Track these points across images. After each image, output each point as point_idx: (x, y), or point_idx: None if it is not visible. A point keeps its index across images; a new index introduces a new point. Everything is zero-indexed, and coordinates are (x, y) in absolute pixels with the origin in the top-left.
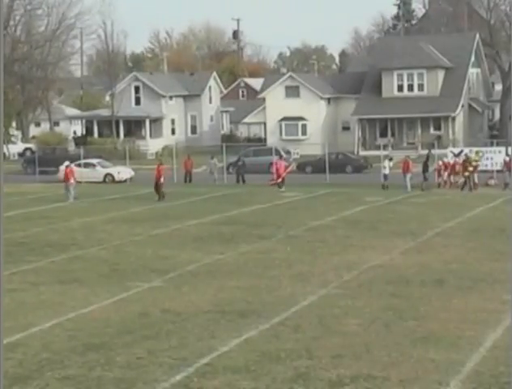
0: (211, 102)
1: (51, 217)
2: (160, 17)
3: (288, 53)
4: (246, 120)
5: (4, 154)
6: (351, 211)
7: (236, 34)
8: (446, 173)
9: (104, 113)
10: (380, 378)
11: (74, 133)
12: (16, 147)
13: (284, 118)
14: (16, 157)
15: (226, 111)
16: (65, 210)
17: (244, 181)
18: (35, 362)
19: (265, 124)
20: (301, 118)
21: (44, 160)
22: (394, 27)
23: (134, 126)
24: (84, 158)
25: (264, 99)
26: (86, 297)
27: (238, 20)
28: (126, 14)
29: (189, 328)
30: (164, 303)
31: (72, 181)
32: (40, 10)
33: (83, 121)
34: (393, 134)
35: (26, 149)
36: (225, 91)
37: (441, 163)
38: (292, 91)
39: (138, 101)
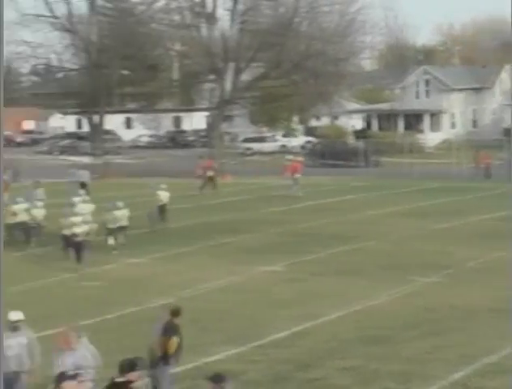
0: (495, 96)
1: (338, 209)
2: (451, 10)
3: None
4: None
5: (284, 146)
6: None
7: None
8: None
9: (384, 107)
10: None
11: (353, 127)
12: (297, 140)
13: None
14: (299, 150)
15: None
16: (352, 202)
17: None
18: (318, 351)
19: None
20: None
21: (325, 152)
22: None
23: (414, 120)
24: (364, 152)
25: None
26: (365, 290)
27: None
28: (417, 8)
29: (474, 326)
30: (447, 299)
31: None
32: (325, 7)
33: (363, 115)
34: None
35: (307, 142)
36: None
37: None
38: None
39: (417, 95)
